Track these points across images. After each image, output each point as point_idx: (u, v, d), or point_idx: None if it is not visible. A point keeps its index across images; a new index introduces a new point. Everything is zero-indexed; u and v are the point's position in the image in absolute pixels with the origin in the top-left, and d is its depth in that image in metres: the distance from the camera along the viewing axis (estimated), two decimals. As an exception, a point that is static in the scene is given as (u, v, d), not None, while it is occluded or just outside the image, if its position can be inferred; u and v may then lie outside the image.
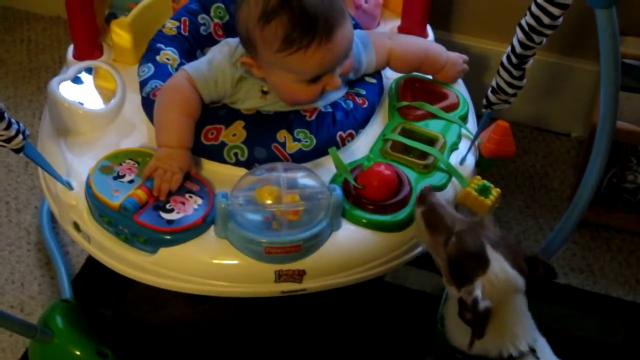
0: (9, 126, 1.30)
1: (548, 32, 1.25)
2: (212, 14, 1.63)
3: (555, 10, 1.21)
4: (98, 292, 1.76)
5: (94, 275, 1.80)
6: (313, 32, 1.35)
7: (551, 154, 2.05)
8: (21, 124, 1.33)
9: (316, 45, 1.36)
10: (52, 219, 1.88)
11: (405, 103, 1.54)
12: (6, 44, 2.30)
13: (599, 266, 1.82)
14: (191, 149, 1.43)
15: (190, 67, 1.47)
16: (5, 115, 1.29)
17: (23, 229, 1.89)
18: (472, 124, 1.57)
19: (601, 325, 1.71)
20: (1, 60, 2.25)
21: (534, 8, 1.23)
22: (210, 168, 1.44)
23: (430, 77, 1.61)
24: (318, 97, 1.45)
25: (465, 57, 1.62)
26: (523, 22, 1.26)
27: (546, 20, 1.23)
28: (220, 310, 1.73)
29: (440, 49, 1.60)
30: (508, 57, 1.31)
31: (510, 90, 1.35)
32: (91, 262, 1.80)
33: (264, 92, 1.47)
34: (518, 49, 1.29)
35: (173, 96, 1.45)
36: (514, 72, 1.32)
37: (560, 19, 1.23)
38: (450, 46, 1.64)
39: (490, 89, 1.38)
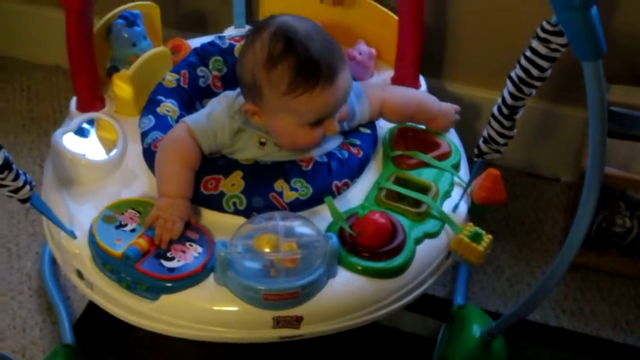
0: (16, 177, 1.35)
1: (537, 83, 1.30)
2: (210, 66, 1.69)
3: (544, 63, 1.26)
4: (99, 337, 1.78)
5: (95, 320, 1.81)
6: (318, 76, 1.41)
7: (541, 199, 2.09)
8: (28, 175, 1.37)
9: (321, 88, 1.41)
10: (53, 264, 1.90)
11: (398, 152, 1.58)
12: (6, 92, 2.34)
13: (590, 308, 1.85)
14: (191, 199, 1.47)
15: (190, 119, 1.52)
16: (13, 166, 1.34)
17: (24, 274, 1.92)
18: (464, 172, 1.61)
19: (593, 367, 1.75)
20: (1, 108, 2.29)
21: (523, 61, 1.28)
22: (210, 217, 1.47)
23: (423, 126, 1.65)
24: (319, 142, 1.50)
25: (457, 107, 1.67)
26: (513, 74, 1.30)
27: (535, 72, 1.28)
28: (219, 352, 1.75)
29: (432, 99, 1.65)
30: (499, 108, 1.36)
31: (501, 140, 1.40)
32: (92, 307, 1.82)
33: (262, 143, 1.51)
34: (508, 100, 1.33)
35: (173, 148, 1.49)
36: (505, 123, 1.37)
37: (549, 72, 1.28)
38: (442, 94, 1.69)
39: (481, 138, 1.42)
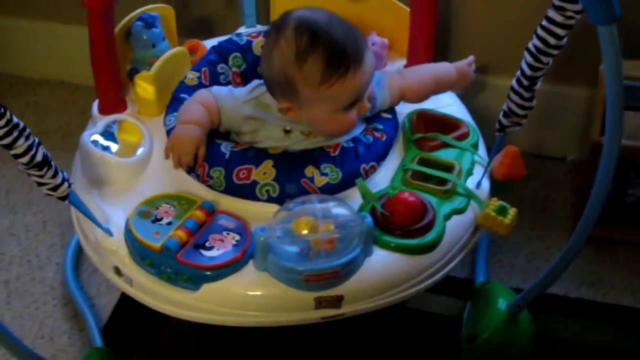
0: (55, 174, 1.38)
1: (554, 52, 1.35)
2: (230, 63, 1.73)
3: (560, 31, 1.32)
4: (128, 339, 1.81)
5: (122, 324, 1.84)
6: (348, 61, 1.46)
7: (550, 178, 2.15)
8: (65, 173, 1.40)
9: (352, 72, 1.46)
10: (75, 273, 1.94)
11: (419, 135, 1.62)
12: (14, 109, 2.31)
13: (608, 278, 1.90)
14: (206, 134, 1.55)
15: (214, 87, 1.63)
16: (52, 163, 1.37)
17: (47, 285, 1.94)
18: (482, 151, 1.65)
19: (616, 334, 1.79)
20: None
21: (540, 31, 1.34)
22: (244, 206, 1.51)
23: (439, 110, 1.70)
24: (355, 123, 1.55)
25: (470, 59, 1.69)
26: (530, 45, 1.36)
27: (552, 41, 1.33)
28: (248, 352, 1.79)
29: (446, 68, 1.68)
30: (518, 80, 1.41)
31: (521, 112, 1.45)
32: (118, 311, 1.86)
33: (287, 132, 1.56)
34: (527, 71, 1.39)
35: (195, 97, 1.60)
36: (525, 94, 1.42)
37: (565, 39, 1.33)
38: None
39: (501, 112, 1.47)
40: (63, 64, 2.31)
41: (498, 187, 1.59)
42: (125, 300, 1.85)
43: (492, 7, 2.01)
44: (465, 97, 1.79)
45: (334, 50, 1.46)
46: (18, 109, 2.38)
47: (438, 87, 1.68)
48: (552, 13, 1.31)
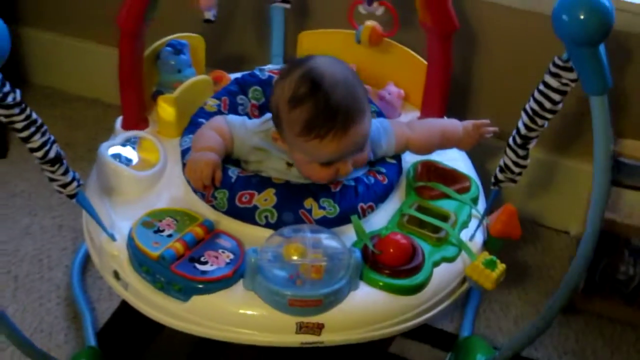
0: (66, 172, 1.45)
1: (549, 116, 1.41)
2: (249, 95, 1.80)
3: (556, 96, 1.38)
4: (120, 344, 1.88)
5: (117, 330, 1.91)
6: (330, 126, 1.50)
7: (550, 248, 2.19)
8: (76, 173, 1.48)
9: (331, 136, 1.51)
10: (82, 276, 2.02)
11: (421, 183, 1.68)
12: (48, 118, 2.43)
13: (592, 351, 1.93)
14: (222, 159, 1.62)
15: (229, 115, 1.70)
16: (64, 162, 1.45)
17: (54, 284, 2.02)
18: (481, 206, 1.70)
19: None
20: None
21: (536, 94, 1.40)
22: (243, 229, 1.57)
23: (445, 163, 1.75)
24: (331, 179, 1.59)
25: (482, 121, 1.72)
26: (527, 106, 1.42)
27: (548, 105, 1.39)
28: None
29: (454, 125, 1.73)
30: (514, 138, 1.47)
31: (516, 169, 1.51)
32: (115, 318, 1.93)
33: (289, 164, 1.62)
34: (523, 130, 1.45)
35: (210, 124, 1.67)
36: (519, 152, 1.48)
37: (560, 105, 1.39)
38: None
39: (498, 167, 1.53)
40: (99, 83, 2.41)
41: (492, 243, 1.64)
42: (124, 308, 1.93)
43: (512, 74, 2.07)
44: (480, 160, 1.85)
45: (323, 111, 1.50)
46: (52, 119, 2.46)
47: (443, 143, 1.73)
48: (548, 78, 1.37)
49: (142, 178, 1.68)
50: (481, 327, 1.97)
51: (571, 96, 1.39)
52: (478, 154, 1.83)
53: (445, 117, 1.87)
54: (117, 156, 1.70)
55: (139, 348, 1.86)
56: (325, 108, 1.50)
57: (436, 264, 1.55)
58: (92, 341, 1.84)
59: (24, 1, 2.54)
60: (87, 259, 2.06)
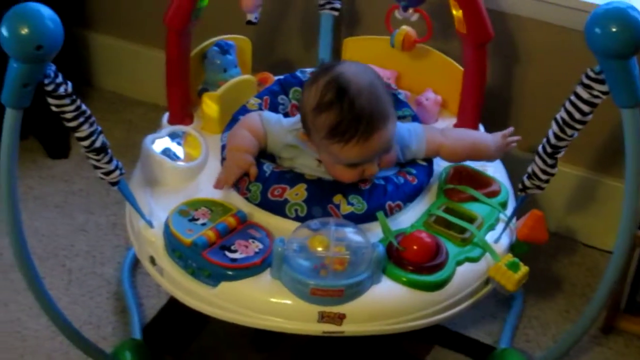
0: (110, 161, 1.54)
1: (579, 126, 1.44)
2: (290, 95, 1.86)
3: (585, 108, 1.41)
4: (165, 339, 1.94)
5: (163, 325, 1.98)
6: (354, 132, 1.56)
7: (595, 268, 2.18)
8: (119, 162, 1.56)
9: (354, 142, 1.56)
10: (132, 273, 2.10)
11: (451, 186, 1.72)
12: (109, 122, 2.55)
13: (630, 373, 1.92)
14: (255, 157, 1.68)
15: (265, 112, 1.75)
16: (109, 151, 1.53)
17: (104, 279, 2.10)
18: (510, 211, 1.71)
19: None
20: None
21: (567, 105, 1.43)
22: (273, 221, 1.63)
23: (477, 168, 1.78)
24: (356, 179, 1.63)
25: (509, 130, 1.75)
26: (558, 116, 1.46)
27: (577, 115, 1.43)
28: (282, 357, 1.90)
29: (486, 139, 1.77)
30: (543, 147, 1.50)
31: (543, 177, 1.54)
32: (162, 315, 2.00)
33: (320, 162, 1.68)
34: (552, 139, 1.48)
35: (244, 121, 1.73)
36: (548, 161, 1.51)
37: (590, 116, 1.42)
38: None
39: (525, 174, 1.56)
40: (160, 89, 2.48)
41: (518, 247, 1.66)
42: (170, 305, 2.00)
43: (550, 87, 2.08)
44: (516, 175, 1.86)
45: (346, 118, 1.56)
46: (113, 123, 2.56)
47: (473, 155, 1.76)
48: (579, 89, 1.41)
49: (182, 170, 1.76)
50: (520, 342, 1.97)
51: (616, 113, 1.42)
52: (509, 163, 1.86)
53: (480, 125, 1.92)
54: (166, 150, 1.78)
55: (183, 344, 1.92)
56: (349, 115, 1.56)
57: (459, 263, 1.59)
58: (137, 335, 1.90)
59: (92, 6, 2.64)
60: (138, 257, 2.13)
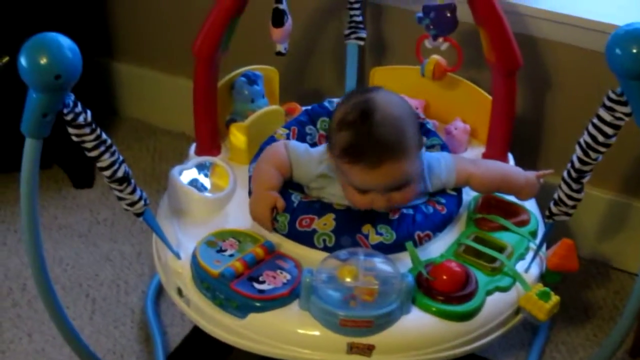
0: (133, 191, 1.53)
1: (602, 149, 1.42)
2: (318, 125, 1.86)
3: (609, 130, 1.40)
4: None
5: (186, 354, 1.97)
6: (359, 159, 1.55)
7: (623, 290, 2.17)
8: (143, 193, 1.56)
9: (361, 167, 1.56)
10: (156, 302, 2.09)
11: (480, 215, 1.71)
12: (134, 151, 2.57)
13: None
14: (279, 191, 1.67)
15: (291, 142, 1.74)
16: (132, 181, 1.52)
17: (129, 308, 2.10)
18: (540, 241, 1.70)
19: None
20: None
21: (590, 128, 1.42)
22: (301, 251, 1.62)
23: (506, 197, 1.76)
24: (365, 207, 1.62)
25: (544, 172, 1.72)
26: (581, 140, 1.44)
27: (600, 138, 1.41)
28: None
29: (517, 172, 1.75)
30: (568, 172, 1.49)
31: (569, 202, 1.52)
32: (186, 343, 1.99)
33: None
34: (577, 164, 1.47)
35: (268, 153, 1.72)
36: (573, 186, 1.50)
37: (613, 139, 1.40)
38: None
39: (552, 201, 1.55)
40: (184, 117, 2.49)
41: (549, 277, 1.65)
42: (194, 334, 1.99)
43: (582, 113, 2.05)
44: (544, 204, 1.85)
45: (357, 143, 1.56)
46: (138, 151, 2.58)
47: (503, 187, 1.74)
48: (602, 112, 1.40)
49: (210, 201, 1.75)
50: (547, 366, 1.96)
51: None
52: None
53: (509, 154, 1.91)
54: (193, 181, 1.78)
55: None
56: (364, 139, 1.55)
57: (490, 292, 1.57)
58: (162, 365, 1.90)
59: (117, 36, 2.67)
60: (162, 286, 2.11)
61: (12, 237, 2.32)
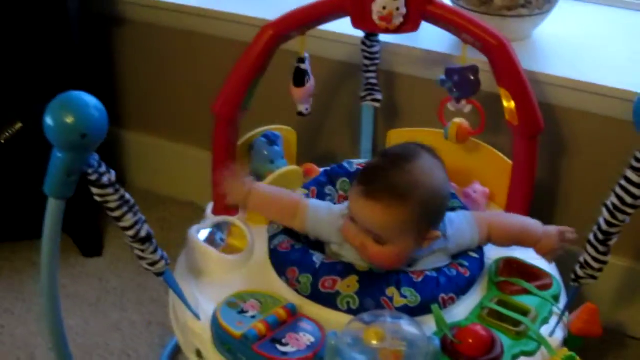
0: (155, 251, 1.52)
1: (630, 211, 1.42)
2: (337, 186, 1.86)
3: (637, 191, 1.39)
4: None
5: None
6: (367, 180, 1.58)
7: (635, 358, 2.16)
8: (164, 253, 1.54)
9: (360, 190, 1.57)
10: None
11: (503, 279, 1.69)
12: (142, 221, 2.55)
13: None
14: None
15: (312, 200, 1.76)
16: (154, 240, 1.51)
17: (139, 378, 2.07)
18: (563, 305, 1.68)
19: None
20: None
21: (617, 189, 1.41)
22: (324, 314, 1.59)
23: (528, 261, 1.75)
24: (354, 244, 1.61)
25: (566, 228, 1.70)
26: (608, 202, 1.44)
27: (629, 200, 1.40)
28: None
29: (535, 223, 1.73)
30: (595, 234, 1.48)
31: (596, 265, 1.51)
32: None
33: None
34: (604, 226, 1.46)
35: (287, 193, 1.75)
36: (600, 248, 1.49)
37: None
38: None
39: (577, 264, 1.54)
40: (194, 187, 2.49)
41: (572, 341, 1.63)
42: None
43: (600, 179, 2.06)
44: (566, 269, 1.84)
45: (378, 165, 1.60)
46: (147, 221, 2.54)
47: (522, 238, 1.72)
48: (629, 173, 1.39)
49: (230, 261, 1.73)
50: None
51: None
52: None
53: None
54: (211, 241, 1.77)
55: None
56: (383, 167, 1.59)
57: (515, 357, 1.54)
58: None
59: (123, 105, 2.67)
60: (173, 355, 2.11)
61: (21, 306, 2.30)
